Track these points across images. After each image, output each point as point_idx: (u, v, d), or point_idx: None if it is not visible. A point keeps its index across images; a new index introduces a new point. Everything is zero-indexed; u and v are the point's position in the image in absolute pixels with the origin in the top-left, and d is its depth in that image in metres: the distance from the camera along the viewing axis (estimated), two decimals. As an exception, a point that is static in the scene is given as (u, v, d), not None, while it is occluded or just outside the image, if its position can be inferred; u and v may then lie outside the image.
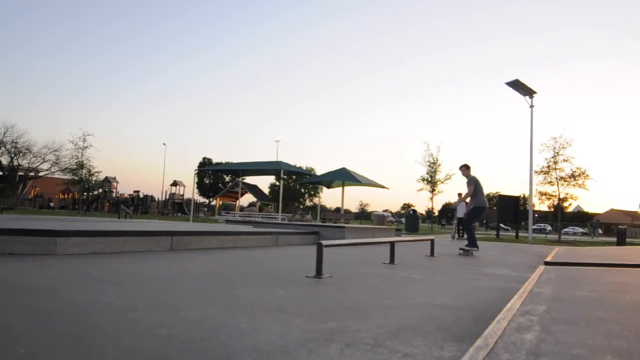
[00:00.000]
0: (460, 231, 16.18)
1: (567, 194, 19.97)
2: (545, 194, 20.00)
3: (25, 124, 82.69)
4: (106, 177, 39.27)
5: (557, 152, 19.55)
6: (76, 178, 27.49)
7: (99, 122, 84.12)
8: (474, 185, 7.68)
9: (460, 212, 16.15)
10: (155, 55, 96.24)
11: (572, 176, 19.27)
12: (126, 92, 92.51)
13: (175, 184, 43.72)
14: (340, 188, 25.18)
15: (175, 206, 39.81)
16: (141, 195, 40.93)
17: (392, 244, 5.50)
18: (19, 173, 40.81)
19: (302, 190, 61.22)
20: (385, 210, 68.19)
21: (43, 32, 77.20)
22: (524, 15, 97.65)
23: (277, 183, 48.94)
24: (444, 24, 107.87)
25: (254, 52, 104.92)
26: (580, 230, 48.13)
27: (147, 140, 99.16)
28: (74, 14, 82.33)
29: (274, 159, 30.78)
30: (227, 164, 49.35)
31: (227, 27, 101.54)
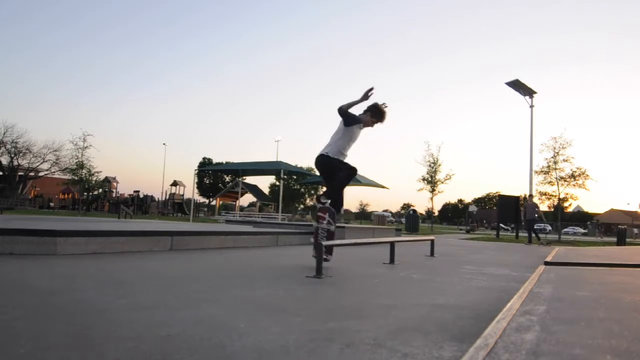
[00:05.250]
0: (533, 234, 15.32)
1: (567, 194, 19.99)
2: (545, 194, 20.01)
3: (28, 125, 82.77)
4: (106, 177, 39.25)
5: (557, 152, 19.56)
6: (76, 178, 27.49)
7: (99, 123, 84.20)
8: None
9: (530, 214, 15.22)
10: (156, 57, 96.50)
11: (572, 176, 19.27)
12: (127, 93, 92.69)
13: (175, 184, 43.71)
14: (340, 188, 25.09)
15: (175, 206, 39.82)
16: (141, 195, 40.92)
17: (392, 244, 5.50)
18: (19, 173, 40.78)
19: (302, 190, 61.21)
20: (385, 210, 68.17)
21: (46, 33, 77.16)
22: (525, 19, 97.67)
23: (277, 183, 48.95)
24: (446, 27, 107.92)
25: (255, 54, 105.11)
26: (581, 230, 48.12)
27: (147, 140, 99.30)
28: (79, 16, 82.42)
29: (274, 159, 30.76)
30: (227, 164, 49.35)
31: (229, 30, 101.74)
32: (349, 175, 4.69)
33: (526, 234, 15.57)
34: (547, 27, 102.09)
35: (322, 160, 4.66)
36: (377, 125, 4.82)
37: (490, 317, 2.08)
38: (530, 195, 16.93)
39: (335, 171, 4.70)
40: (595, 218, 60.44)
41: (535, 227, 15.44)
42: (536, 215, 15.31)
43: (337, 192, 4.77)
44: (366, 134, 4.91)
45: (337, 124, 4.72)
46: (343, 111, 4.47)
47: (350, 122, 4.56)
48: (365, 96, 4.41)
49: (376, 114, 4.70)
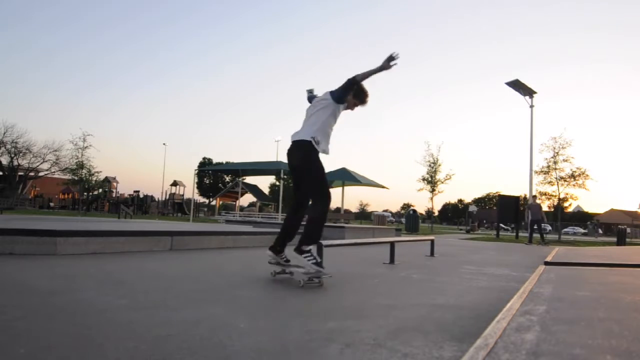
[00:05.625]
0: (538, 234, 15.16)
1: (567, 194, 20.00)
2: (545, 194, 20.02)
3: (28, 125, 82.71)
4: (106, 177, 39.23)
5: (557, 152, 19.57)
6: (76, 178, 27.49)
7: (100, 123, 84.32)
8: None
9: (535, 215, 15.08)
10: (156, 57, 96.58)
11: (572, 176, 19.28)
12: (127, 93, 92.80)
13: (175, 184, 43.69)
14: (340, 188, 25.15)
15: (175, 206, 39.80)
16: (141, 195, 40.92)
17: (392, 244, 5.50)
18: (19, 173, 40.77)
19: (302, 190, 61.08)
20: (385, 210, 68.21)
21: (46, 34, 77.24)
22: (525, 19, 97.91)
23: (277, 183, 48.92)
24: (446, 27, 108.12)
25: (255, 54, 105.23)
26: (581, 230, 48.18)
27: (147, 140, 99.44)
28: (79, 16, 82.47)
29: (274, 159, 30.76)
30: (227, 164, 49.33)
31: (229, 30, 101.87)
32: (326, 212, 3.50)
33: (526, 234, 15.57)
34: (547, 27, 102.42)
35: (308, 150, 3.39)
36: (357, 109, 3.76)
37: (490, 317, 2.08)
38: (534, 196, 17.02)
39: (305, 181, 3.50)
40: (595, 218, 60.44)
41: (541, 228, 15.41)
42: (540, 217, 15.29)
43: (319, 232, 3.48)
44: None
45: None
46: (355, 83, 3.40)
47: (346, 98, 3.51)
48: (387, 64, 3.27)
49: (359, 93, 3.62)
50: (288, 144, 3.55)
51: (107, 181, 40.22)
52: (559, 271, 4.38)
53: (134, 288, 2.93)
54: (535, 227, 15.14)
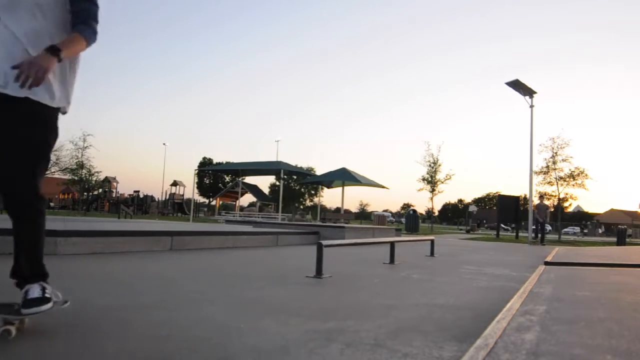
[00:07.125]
0: (539, 234, 15.36)
1: (566, 194, 20.03)
2: (545, 194, 20.02)
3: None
4: (106, 177, 39.21)
5: (556, 153, 19.58)
6: (76, 178, 27.53)
7: (100, 123, 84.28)
8: None
9: (543, 215, 15.36)
10: (157, 57, 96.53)
11: (572, 176, 19.29)
12: (127, 93, 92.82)
13: (175, 184, 43.67)
14: (340, 188, 25.16)
15: (175, 206, 39.80)
16: (141, 195, 40.90)
17: (392, 244, 5.50)
18: (19, 173, 40.73)
19: (302, 190, 61.21)
20: (385, 210, 68.21)
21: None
22: (525, 19, 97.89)
23: (277, 183, 48.99)
24: (447, 28, 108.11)
25: (256, 54, 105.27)
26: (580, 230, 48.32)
27: (147, 140, 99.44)
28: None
29: (274, 159, 30.75)
30: (227, 164, 49.32)
31: (230, 30, 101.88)
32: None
33: (526, 234, 15.63)
34: (547, 27, 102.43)
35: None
36: None
37: (490, 317, 2.08)
38: (542, 197, 17.29)
39: None
40: (595, 218, 60.45)
41: (543, 228, 15.54)
42: (544, 217, 15.46)
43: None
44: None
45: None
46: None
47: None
48: None
49: None
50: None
51: (107, 181, 40.19)
52: (558, 271, 4.39)
53: (134, 288, 2.93)
54: (538, 226, 15.28)
